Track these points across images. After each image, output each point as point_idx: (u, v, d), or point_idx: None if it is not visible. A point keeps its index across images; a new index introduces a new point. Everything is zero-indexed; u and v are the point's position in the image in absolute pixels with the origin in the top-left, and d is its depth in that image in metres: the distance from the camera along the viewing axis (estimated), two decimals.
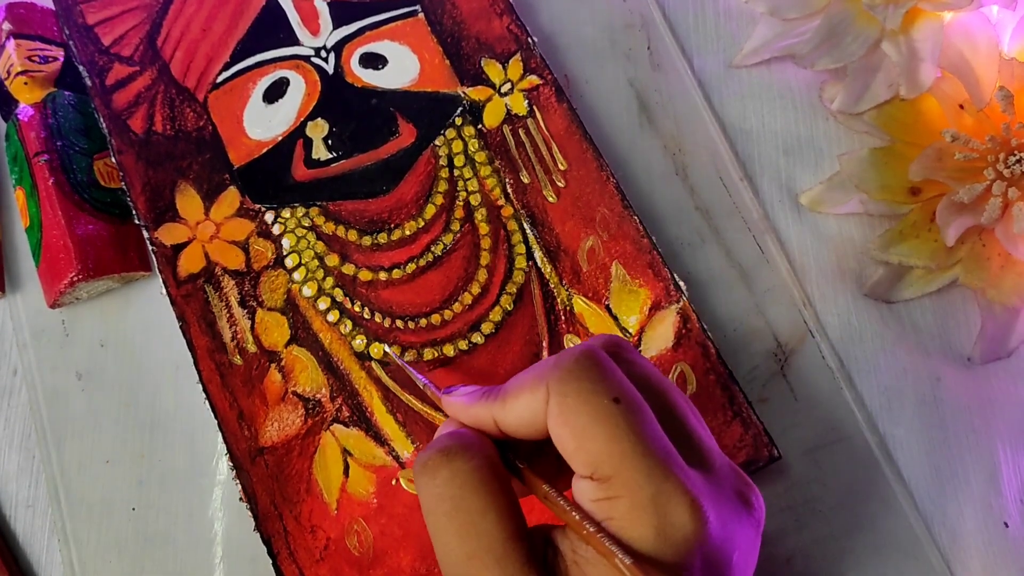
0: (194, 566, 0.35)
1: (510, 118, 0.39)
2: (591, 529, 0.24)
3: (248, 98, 0.40)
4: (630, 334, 0.36)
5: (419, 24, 0.41)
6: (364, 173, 0.39)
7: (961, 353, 0.38)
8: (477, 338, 0.36)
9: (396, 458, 0.35)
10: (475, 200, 0.38)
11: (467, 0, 0.41)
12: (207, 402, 0.35)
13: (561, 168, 0.39)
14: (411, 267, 0.37)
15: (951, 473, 0.36)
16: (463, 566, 0.25)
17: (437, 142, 0.39)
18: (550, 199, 0.38)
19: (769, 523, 0.35)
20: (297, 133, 0.39)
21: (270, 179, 0.39)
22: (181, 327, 0.36)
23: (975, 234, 0.38)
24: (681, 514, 0.23)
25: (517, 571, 0.24)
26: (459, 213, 0.38)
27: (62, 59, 0.41)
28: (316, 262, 0.37)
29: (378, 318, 0.37)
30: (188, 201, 0.38)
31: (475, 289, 0.37)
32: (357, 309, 0.37)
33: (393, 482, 0.34)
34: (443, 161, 0.39)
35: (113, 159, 0.39)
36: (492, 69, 0.40)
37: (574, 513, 0.24)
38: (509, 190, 0.38)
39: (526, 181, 0.38)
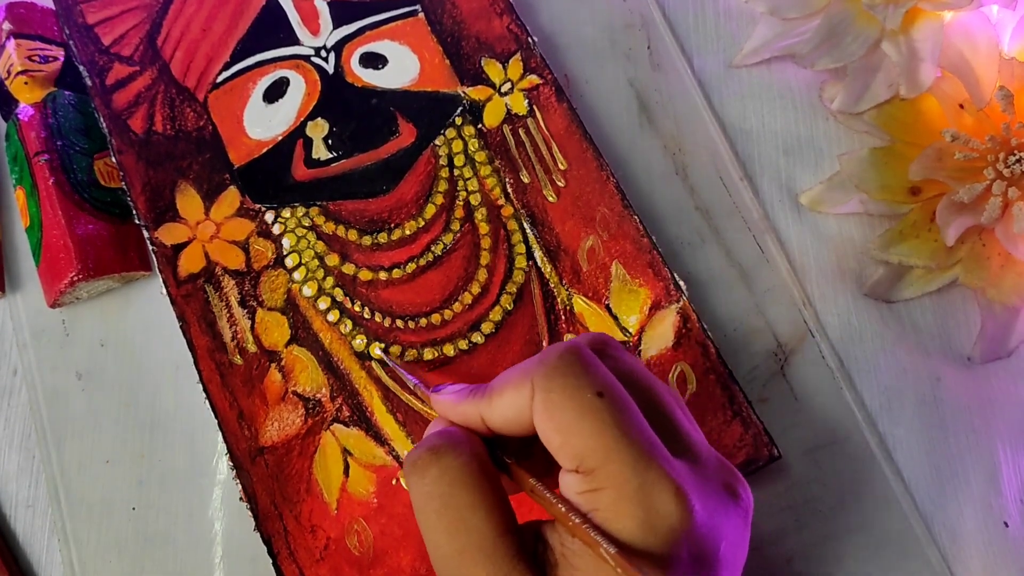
0: (194, 566, 0.35)
1: (510, 118, 0.39)
2: (577, 520, 0.24)
3: (248, 98, 0.40)
4: (630, 334, 0.36)
5: (419, 24, 0.41)
6: (364, 173, 0.39)
7: (961, 353, 0.38)
8: (477, 338, 0.36)
9: (396, 458, 0.35)
10: (475, 200, 0.38)
11: (467, 0, 0.41)
12: (207, 402, 0.35)
13: (561, 168, 0.39)
14: (411, 267, 0.37)
15: (951, 473, 0.36)
16: (454, 562, 0.25)
17: (437, 142, 0.39)
18: (550, 199, 0.38)
19: (769, 523, 0.35)
20: (297, 133, 0.39)
21: (270, 179, 0.39)
22: (181, 327, 0.36)
23: (975, 234, 0.38)
24: (666, 503, 0.23)
25: (507, 565, 0.24)
26: (459, 213, 0.38)
27: (62, 59, 0.41)
28: (316, 262, 0.37)
29: (378, 318, 0.37)
30: (188, 201, 0.38)
31: (475, 289, 0.37)
32: (357, 309, 0.37)
33: (393, 482, 0.34)
34: (443, 161, 0.39)
35: (113, 159, 0.39)
36: (492, 69, 0.40)
37: (560, 506, 0.25)
38: (509, 190, 0.38)
39: (526, 181, 0.38)
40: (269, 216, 0.38)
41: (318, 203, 0.38)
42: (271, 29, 0.41)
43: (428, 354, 0.36)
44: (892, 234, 0.38)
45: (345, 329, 0.36)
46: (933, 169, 0.37)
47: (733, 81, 0.42)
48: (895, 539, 0.35)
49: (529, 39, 0.40)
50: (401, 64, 0.40)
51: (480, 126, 0.39)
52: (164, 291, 0.37)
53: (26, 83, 0.39)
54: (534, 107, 0.40)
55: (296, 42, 0.41)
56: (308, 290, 0.37)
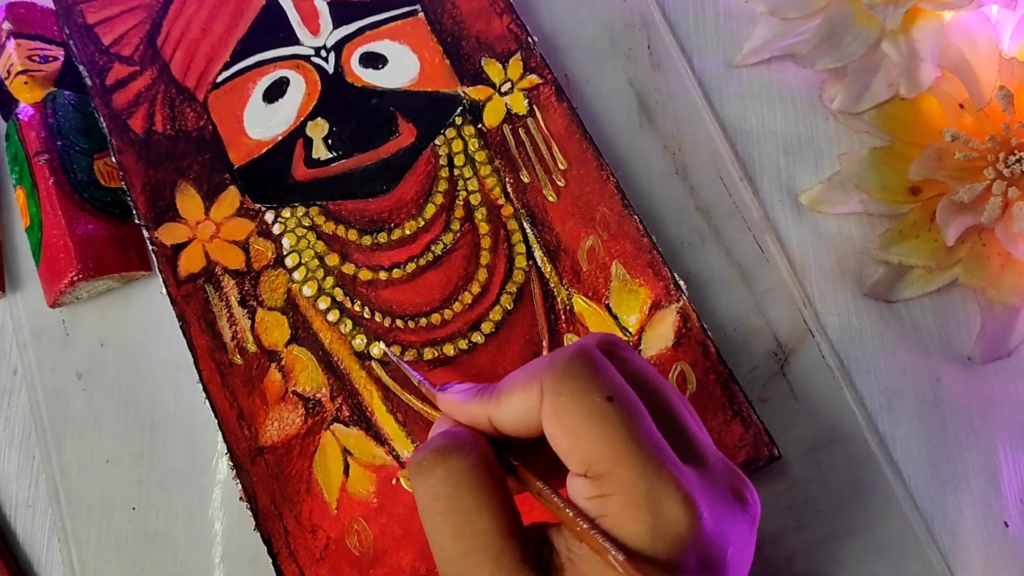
0: (194, 566, 0.35)
1: (510, 117, 0.39)
2: (585, 526, 0.24)
3: (248, 98, 0.40)
4: (630, 333, 0.36)
5: (419, 24, 0.41)
6: (364, 173, 0.39)
7: (961, 353, 0.38)
8: (477, 337, 0.36)
9: (396, 458, 0.35)
10: (475, 199, 0.38)
11: (467, 0, 0.41)
12: (207, 402, 0.35)
13: (561, 167, 0.39)
14: (411, 267, 0.37)
15: (951, 473, 0.36)
16: (459, 564, 0.25)
17: (437, 141, 0.39)
18: (550, 198, 0.38)
19: (769, 523, 0.35)
20: (297, 133, 0.39)
21: (270, 179, 0.39)
22: (181, 327, 0.36)
23: (975, 234, 0.38)
24: (675, 510, 0.23)
25: (512, 569, 0.24)
26: (459, 212, 0.38)
27: (62, 59, 0.41)
28: (316, 262, 0.37)
29: (378, 317, 0.37)
30: (188, 201, 0.38)
31: (475, 288, 0.37)
32: (357, 309, 0.37)
33: (393, 482, 0.34)
34: (443, 160, 0.39)
35: (113, 159, 0.39)
36: (492, 68, 0.40)
37: (568, 510, 0.24)
38: (509, 189, 0.38)
39: (526, 180, 0.38)
40: (269, 216, 0.38)
41: (318, 203, 0.38)
42: (271, 29, 0.41)
43: (428, 354, 0.36)
44: (892, 234, 0.38)
45: (345, 329, 0.36)
46: (933, 169, 0.37)
47: (733, 81, 0.42)
48: (895, 539, 0.35)
49: (529, 39, 0.41)
50: (401, 64, 0.40)
51: (480, 126, 0.39)
52: (164, 291, 0.37)
53: (26, 83, 0.39)
54: (534, 107, 0.40)
55: (296, 42, 0.41)
56: (308, 290, 0.37)
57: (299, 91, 0.40)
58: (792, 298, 0.38)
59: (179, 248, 0.37)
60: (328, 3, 0.41)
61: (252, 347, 0.36)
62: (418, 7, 0.41)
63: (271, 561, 0.33)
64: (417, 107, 0.40)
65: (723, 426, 0.35)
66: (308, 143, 0.39)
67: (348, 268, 0.37)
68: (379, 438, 0.35)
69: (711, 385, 0.35)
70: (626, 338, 0.36)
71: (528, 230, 0.38)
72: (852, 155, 0.39)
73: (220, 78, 0.40)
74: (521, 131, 0.39)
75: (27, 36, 0.40)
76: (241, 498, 0.34)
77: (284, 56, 0.40)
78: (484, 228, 0.38)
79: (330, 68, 0.40)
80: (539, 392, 0.25)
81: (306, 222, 0.38)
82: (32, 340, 0.38)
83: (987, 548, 0.35)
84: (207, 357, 0.36)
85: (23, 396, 0.38)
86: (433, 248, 0.38)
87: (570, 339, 0.36)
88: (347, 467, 0.35)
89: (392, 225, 0.38)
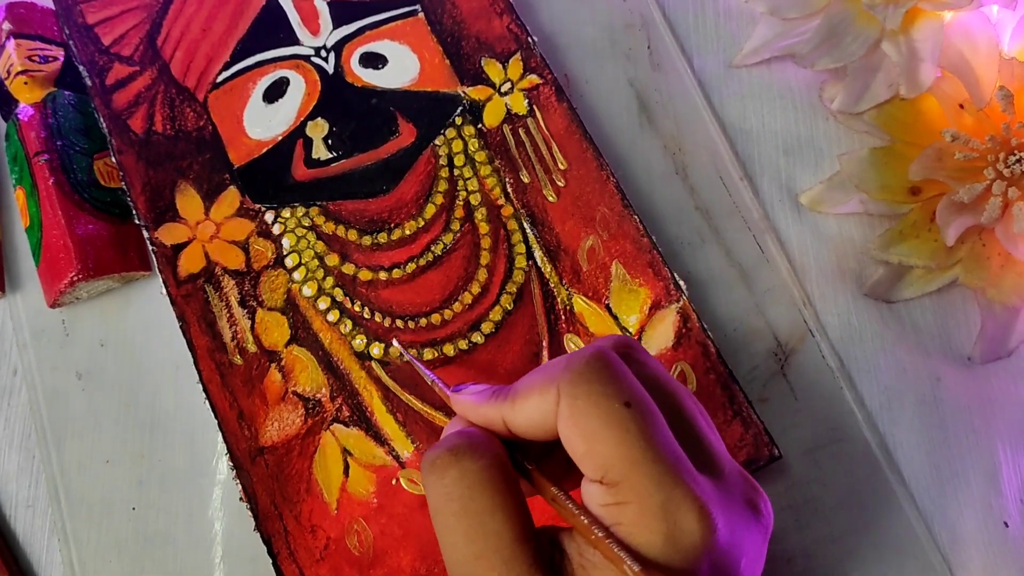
0: (194, 566, 0.35)
1: (510, 117, 0.39)
2: (600, 534, 0.24)
3: (248, 98, 0.40)
4: (630, 333, 0.36)
5: (419, 24, 0.41)
6: (364, 173, 0.39)
7: (961, 353, 0.38)
8: (477, 338, 0.36)
9: (396, 458, 0.35)
10: (475, 200, 0.38)
11: (467, 0, 0.41)
12: (207, 402, 0.35)
13: (561, 167, 0.39)
14: (411, 267, 0.37)
15: (951, 473, 0.36)
16: (470, 566, 0.25)
17: (437, 142, 0.39)
18: (550, 198, 0.38)
19: None
20: (297, 133, 0.39)
21: (270, 179, 0.39)
22: (181, 327, 0.36)
23: (975, 234, 0.38)
24: (690, 521, 0.23)
25: (524, 573, 0.24)
26: (459, 213, 0.38)
27: (62, 59, 0.41)
28: (316, 262, 0.37)
29: (378, 318, 0.37)
30: (188, 201, 0.38)
31: (475, 289, 0.37)
32: (357, 309, 0.37)
33: (393, 482, 0.34)
34: (443, 161, 0.39)
35: (113, 159, 0.39)
36: (492, 69, 0.40)
37: (583, 517, 0.24)
38: (509, 189, 0.38)
39: (526, 181, 0.38)
40: (269, 216, 0.38)
41: (318, 203, 0.38)
42: (271, 29, 0.41)
43: (428, 354, 0.36)
44: (892, 234, 0.38)
45: (345, 329, 0.36)
46: (933, 169, 0.37)
47: (733, 81, 0.42)
48: (895, 539, 0.35)
49: (529, 39, 0.40)
50: (401, 64, 0.40)
51: (480, 126, 0.39)
52: (164, 291, 0.37)
53: (26, 83, 0.39)
54: (534, 107, 0.40)
55: (296, 42, 0.41)
56: (308, 290, 0.37)
57: (299, 91, 0.40)
58: (792, 298, 0.38)
59: (179, 248, 0.37)
60: (328, 3, 0.41)
61: (252, 347, 0.36)
62: (418, 7, 0.41)
63: (271, 561, 0.33)
64: (417, 107, 0.40)
65: (723, 426, 0.35)
66: (308, 143, 0.39)
67: (348, 268, 0.37)
68: (379, 438, 0.35)
69: (711, 385, 0.35)
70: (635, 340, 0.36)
71: (528, 230, 0.38)
72: (852, 155, 0.39)
73: (220, 78, 0.40)
74: (521, 131, 0.39)
75: (27, 36, 0.40)
76: (241, 498, 0.34)
77: (284, 56, 0.40)
78: (484, 228, 0.38)
79: (330, 68, 0.40)
80: (555, 395, 0.25)
81: (306, 222, 0.38)
82: (32, 340, 0.38)
83: (987, 548, 0.35)
84: (207, 357, 0.36)
85: (23, 396, 0.38)
86: (433, 248, 0.38)
87: (570, 339, 0.36)
88: (347, 467, 0.35)
89: (392, 225, 0.38)
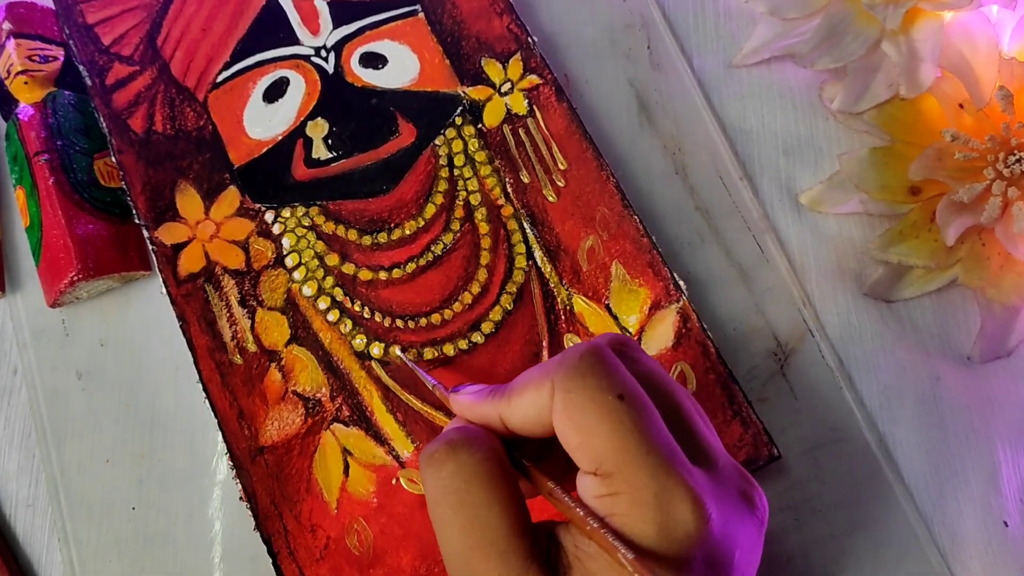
0: (194, 566, 0.35)
1: (510, 118, 0.39)
2: (594, 524, 0.24)
3: (248, 98, 0.40)
4: (630, 333, 0.36)
5: (419, 24, 0.41)
6: (364, 173, 0.39)
7: (961, 352, 0.38)
8: (477, 337, 0.36)
9: (396, 457, 0.35)
10: (475, 200, 0.38)
11: (467, 0, 0.41)
12: (207, 402, 0.35)
13: (561, 168, 0.39)
14: (411, 267, 0.37)
15: (951, 473, 0.36)
16: (466, 559, 0.25)
17: (437, 142, 0.39)
18: (550, 198, 0.38)
19: (769, 523, 0.34)
20: (297, 132, 0.39)
21: (270, 179, 0.39)
22: (181, 327, 0.36)
23: (975, 234, 0.38)
24: (683, 511, 0.23)
25: (520, 565, 0.24)
26: (459, 212, 0.38)
27: (62, 59, 0.41)
28: (316, 261, 0.37)
29: (378, 317, 0.37)
30: (188, 201, 0.38)
31: (475, 288, 0.37)
32: (357, 308, 0.37)
33: (393, 481, 0.34)
34: (443, 160, 0.39)
35: (113, 159, 0.39)
36: (492, 69, 0.40)
37: (578, 509, 0.24)
38: (509, 189, 0.38)
39: (526, 181, 0.38)
40: (269, 216, 0.38)
41: (318, 203, 0.38)
42: (271, 29, 0.41)
43: (428, 354, 0.36)
44: (892, 234, 0.38)
45: (345, 329, 0.36)
46: (933, 169, 0.37)
47: (733, 81, 0.42)
48: (895, 539, 0.35)
49: (529, 39, 0.41)
50: (401, 64, 0.40)
51: (480, 126, 0.39)
52: (164, 291, 0.37)
53: (26, 83, 0.39)
54: (534, 107, 0.40)
55: (296, 42, 0.41)
56: (308, 290, 0.37)
57: (299, 91, 0.40)
58: (792, 298, 0.38)
59: (179, 248, 0.37)
60: (328, 3, 0.41)
61: (252, 347, 0.36)
62: (418, 7, 0.41)
63: (271, 561, 0.33)
64: (417, 107, 0.40)
65: (723, 426, 0.35)
66: (308, 143, 0.39)
67: (348, 268, 0.37)
68: (379, 438, 0.35)
69: (711, 385, 0.35)
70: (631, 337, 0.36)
71: (528, 230, 0.38)
72: (852, 155, 0.39)
73: (220, 78, 0.40)
74: (521, 131, 0.39)
75: (27, 36, 0.40)
76: (241, 498, 0.34)
77: (284, 56, 0.40)
78: (484, 228, 0.38)
79: (330, 68, 0.40)
80: (550, 389, 0.25)
81: (306, 222, 0.38)
82: (32, 340, 0.38)
83: (987, 548, 0.35)
84: (207, 357, 0.36)
85: (23, 396, 0.38)
86: (433, 248, 0.38)
87: (570, 339, 0.36)
88: (347, 467, 0.35)
89: (392, 225, 0.38)
